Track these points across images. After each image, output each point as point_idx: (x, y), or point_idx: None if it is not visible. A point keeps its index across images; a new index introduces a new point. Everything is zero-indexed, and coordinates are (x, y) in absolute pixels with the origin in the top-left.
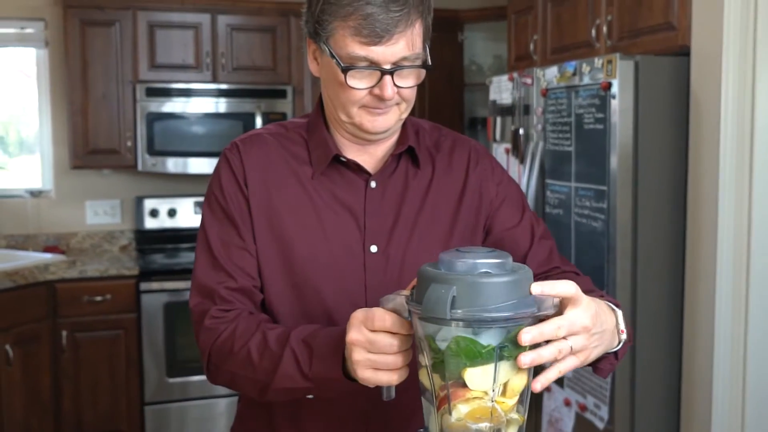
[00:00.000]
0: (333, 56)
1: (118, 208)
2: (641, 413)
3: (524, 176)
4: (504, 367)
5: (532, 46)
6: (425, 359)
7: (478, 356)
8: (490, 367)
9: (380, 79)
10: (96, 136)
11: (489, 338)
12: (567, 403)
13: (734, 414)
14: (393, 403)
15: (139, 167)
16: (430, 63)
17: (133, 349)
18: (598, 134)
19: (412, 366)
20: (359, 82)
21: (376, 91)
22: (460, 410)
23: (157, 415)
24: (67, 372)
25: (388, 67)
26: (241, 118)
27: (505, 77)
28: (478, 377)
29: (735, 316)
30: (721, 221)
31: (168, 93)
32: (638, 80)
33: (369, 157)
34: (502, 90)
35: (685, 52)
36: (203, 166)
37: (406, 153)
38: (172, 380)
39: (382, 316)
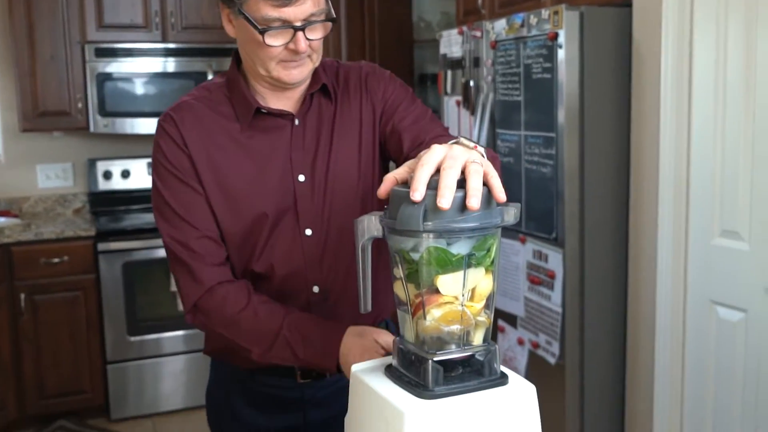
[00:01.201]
0: (249, 20)
1: (71, 171)
2: (590, 347)
3: (475, 127)
4: (472, 273)
5: (480, 1)
6: (400, 271)
7: (449, 264)
8: (460, 273)
9: (293, 35)
10: (45, 98)
11: (458, 248)
12: (520, 342)
13: (675, 343)
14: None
15: (91, 129)
16: (334, 15)
17: (92, 309)
18: (545, 83)
19: (388, 280)
20: (275, 40)
21: (291, 46)
22: (434, 314)
23: (120, 373)
24: (27, 335)
25: (299, 24)
26: (193, 77)
27: (455, 31)
28: (449, 283)
29: (675, 253)
30: (662, 163)
31: (117, 53)
32: (583, 30)
33: (288, 101)
34: (452, 44)
35: (627, 3)
36: (156, 126)
37: (318, 90)
38: (133, 339)
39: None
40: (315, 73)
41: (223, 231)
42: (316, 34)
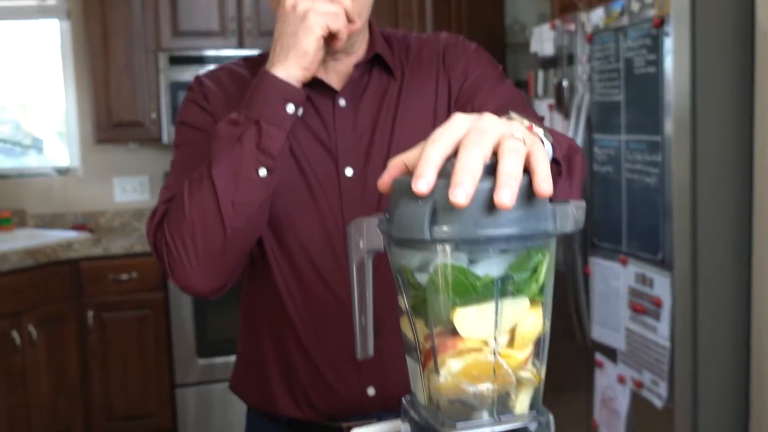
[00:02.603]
0: None
1: (147, 184)
2: (705, 389)
3: (569, 133)
4: (509, 306)
5: None
6: (405, 301)
7: (471, 291)
8: (490, 306)
9: None
10: (119, 108)
11: (487, 267)
12: (621, 381)
13: None
14: (387, 357)
15: (164, 140)
16: None
17: (161, 329)
18: (650, 79)
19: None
20: None
21: None
22: (451, 367)
23: (189, 397)
24: (95, 353)
25: None
26: None
27: (546, 26)
28: (472, 321)
29: None
30: None
31: (192, 61)
32: (695, 13)
33: (335, 75)
34: (543, 40)
35: None
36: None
37: (378, 65)
38: (203, 361)
39: None
40: (369, 42)
41: None
42: None
